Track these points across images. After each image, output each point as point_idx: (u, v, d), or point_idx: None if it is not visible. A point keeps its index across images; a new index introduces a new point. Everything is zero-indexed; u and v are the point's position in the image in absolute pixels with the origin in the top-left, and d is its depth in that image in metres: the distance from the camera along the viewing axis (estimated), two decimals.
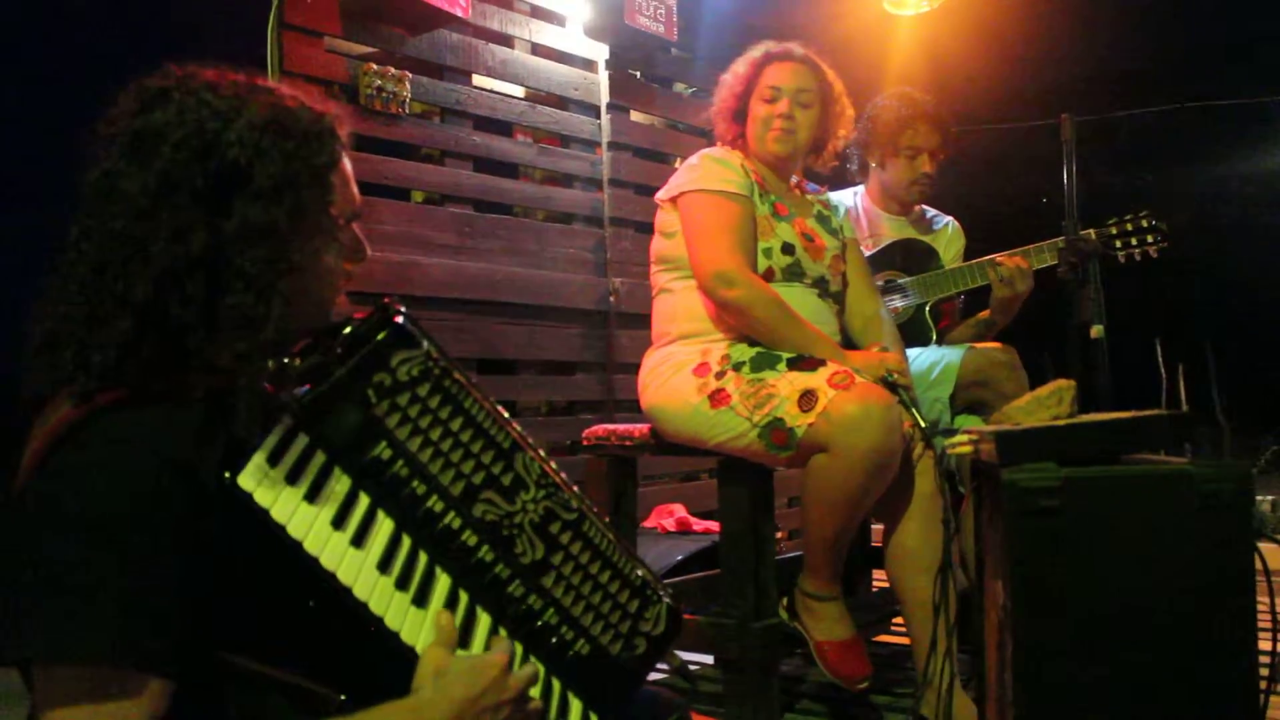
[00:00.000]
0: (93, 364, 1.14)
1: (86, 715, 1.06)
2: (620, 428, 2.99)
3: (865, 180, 3.65)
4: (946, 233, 3.62)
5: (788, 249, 2.78)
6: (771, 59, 2.91)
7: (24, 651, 1.08)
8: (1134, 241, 3.24)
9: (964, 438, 2.11)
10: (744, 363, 2.61)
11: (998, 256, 3.30)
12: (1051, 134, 3.37)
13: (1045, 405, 2.12)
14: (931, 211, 3.69)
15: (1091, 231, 3.23)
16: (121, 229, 1.17)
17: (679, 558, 3.55)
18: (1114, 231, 3.26)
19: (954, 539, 2.35)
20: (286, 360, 1.22)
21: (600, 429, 3.05)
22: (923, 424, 2.53)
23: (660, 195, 2.90)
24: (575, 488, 1.44)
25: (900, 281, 3.43)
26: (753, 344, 2.69)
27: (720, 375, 2.62)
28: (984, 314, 3.44)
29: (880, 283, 3.43)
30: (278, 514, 1.12)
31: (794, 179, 3.04)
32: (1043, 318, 3.55)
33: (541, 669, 1.33)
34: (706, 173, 2.79)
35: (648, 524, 4.07)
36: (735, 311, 2.69)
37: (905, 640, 2.77)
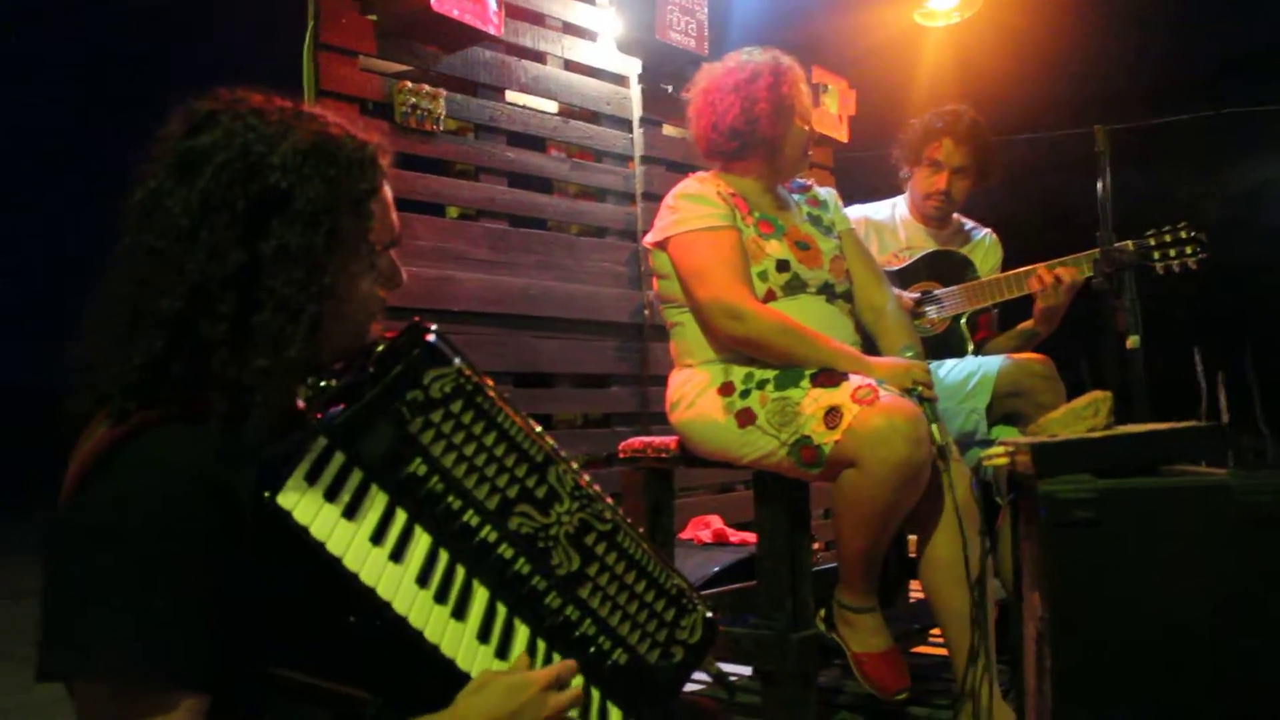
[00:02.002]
0: (126, 381, 1.16)
1: None
2: (656, 440, 3.00)
3: (906, 190, 3.64)
4: (984, 244, 3.61)
5: (782, 266, 2.75)
6: (794, 75, 2.89)
7: (60, 667, 1.10)
8: (1172, 253, 3.18)
9: (1000, 449, 2.11)
10: (768, 380, 2.60)
11: (1039, 267, 3.27)
12: (1084, 143, 3.34)
13: (1081, 417, 2.10)
14: (970, 223, 3.67)
15: (1129, 243, 3.17)
16: (162, 247, 1.19)
17: (715, 569, 3.55)
18: (1152, 243, 3.19)
19: (989, 550, 2.34)
20: (321, 381, 1.24)
21: (636, 441, 3.05)
22: (938, 440, 2.48)
23: (648, 240, 2.88)
24: (609, 499, 1.45)
25: (936, 293, 3.42)
26: None
27: (745, 394, 2.61)
28: (1026, 324, 3.42)
29: (916, 294, 3.42)
30: (317, 531, 1.13)
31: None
32: (1079, 329, 3.52)
33: (580, 679, 1.34)
34: (686, 213, 2.76)
35: (684, 536, 4.06)
36: (748, 346, 2.66)
37: (944, 651, 2.75)
